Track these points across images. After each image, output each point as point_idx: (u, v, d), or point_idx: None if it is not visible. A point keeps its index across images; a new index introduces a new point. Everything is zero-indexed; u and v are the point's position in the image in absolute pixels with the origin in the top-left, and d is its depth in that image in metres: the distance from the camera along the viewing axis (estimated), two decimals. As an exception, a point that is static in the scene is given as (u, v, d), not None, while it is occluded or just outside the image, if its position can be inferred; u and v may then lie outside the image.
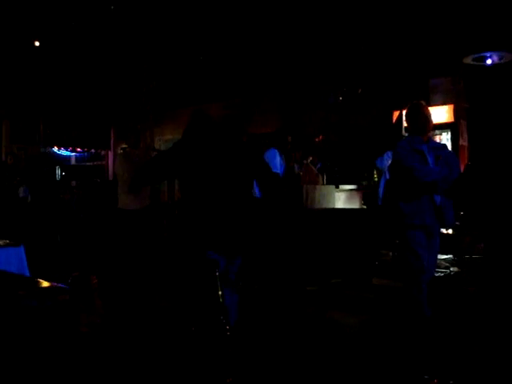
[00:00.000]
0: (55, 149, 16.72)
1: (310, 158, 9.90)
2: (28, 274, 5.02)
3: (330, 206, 8.56)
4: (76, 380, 1.61)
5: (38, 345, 1.89)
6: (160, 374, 1.61)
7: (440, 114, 10.32)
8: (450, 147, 10.13)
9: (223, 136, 4.05)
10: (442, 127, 10.35)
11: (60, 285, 2.81)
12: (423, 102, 5.20)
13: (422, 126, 4.92)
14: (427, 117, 4.96)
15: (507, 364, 3.61)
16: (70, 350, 1.86)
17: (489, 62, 8.77)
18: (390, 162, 7.97)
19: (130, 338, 2.00)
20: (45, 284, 3.03)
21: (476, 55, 8.72)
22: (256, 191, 7.49)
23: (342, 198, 8.94)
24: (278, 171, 7.38)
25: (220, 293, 1.49)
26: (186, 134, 4.09)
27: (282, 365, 1.72)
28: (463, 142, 10.50)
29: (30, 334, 2.03)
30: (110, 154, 17.09)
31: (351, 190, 9.33)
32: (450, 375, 1.73)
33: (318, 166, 10.24)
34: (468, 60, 8.95)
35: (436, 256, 5.13)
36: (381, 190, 7.68)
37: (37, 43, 11.63)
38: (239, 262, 3.71)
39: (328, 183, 9.31)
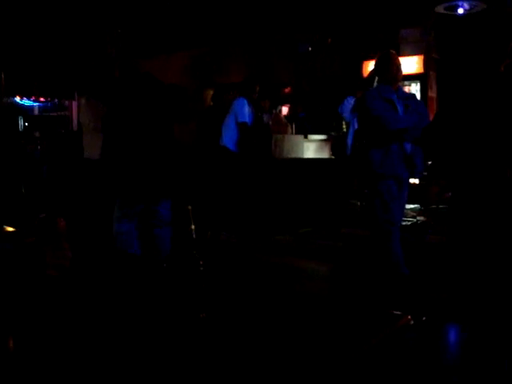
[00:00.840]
0: (17, 98, 16.28)
1: (279, 108, 9.84)
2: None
3: (299, 156, 8.56)
4: (45, 322, 1.56)
5: (4, 286, 1.83)
6: (131, 313, 1.57)
7: (410, 64, 10.29)
8: (418, 98, 10.16)
9: (142, 90, 4.28)
10: (412, 78, 10.33)
11: (26, 229, 2.74)
12: (393, 52, 5.16)
13: (392, 75, 4.91)
14: (397, 66, 4.94)
15: (477, 304, 3.69)
16: (38, 292, 1.81)
17: (460, 11, 8.74)
18: (350, 107, 7.96)
19: (98, 281, 1.94)
20: (9, 229, 2.96)
21: (447, 4, 8.67)
22: (226, 142, 7.45)
23: (311, 148, 8.93)
24: (247, 120, 7.31)
25: (193, 227, 1.44)
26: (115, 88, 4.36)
27: (254, 305, 1.69)
28: (432, 94, 10.53)
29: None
30: (75, 104, 16.71)
31: (320, 140, 9.32)
32: (422, 312, 1.73)
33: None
34: (439, 9, 8.89)
35: (404, 205, 5.19)
36: (349, 139, 7.66)
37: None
38: (166, 204, 4.11)
39: (297, 133, 9.27)
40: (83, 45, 13.69)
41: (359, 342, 1.47)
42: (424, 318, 1.64)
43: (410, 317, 1.61)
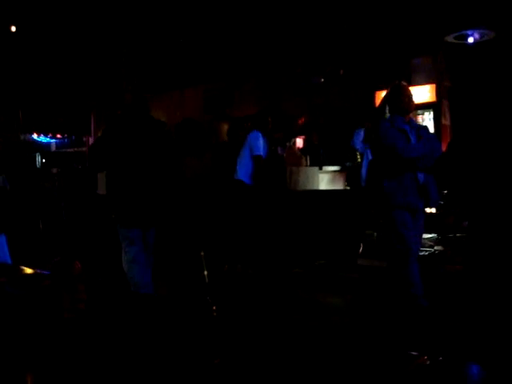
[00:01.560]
0: (35, 136, 16.50)
1: (293, 140, 9.88)
2: (10, 261, 4.97)
3: (314, 188, 8.56)
4: (60, 365, 1.57)
5: (20, 330, 1.85)
6: (145, 357, 1.57)
7: (422, 93, 10.32)
8: (432, 127, 10.16)
9: (143, 129, 4.67)
10: (425, 107, 10.34)
11: (42, 271, 2.77)
12: (405, 83, 5.20)
13: (405, 106, 4.94)
14: (409, 97, 4.98)
15: (496, 341, 3.64)
16: (54, 336, 1.83)
17: (470, 40, 8.78)
18: (361, 139, 8.01)
19: (113, 323, 1.96)
20: (27, 271, 2.99)
21: (457, 33, 8.72)
22: (241, 175, 7.48)
23: (326, 180, 8.94)
24: (261, 153, 7.35)
25: (206, 273, 1.46)
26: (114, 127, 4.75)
27: (270, 346, 1.69)
28: (445, 122, 10.52)
29: (12, 320, 1.99)
30: (91, 139, 16.90)
31: (335, 171, 9.33)
32: (439, 352, 1.71)
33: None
34: (449, 38, 8.94)
35: (421, 235, 5.15)
36: (363, 170, 7.67)
37: (13, 28, 11.43)
38: (153, 233, 4.61)
39: (311, 165, 9.29)
40: (99, 81, 13.92)
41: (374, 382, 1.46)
42: (440, 358, 1.63)
43: (426, 357, 1.60)
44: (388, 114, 5.22)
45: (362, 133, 7.98)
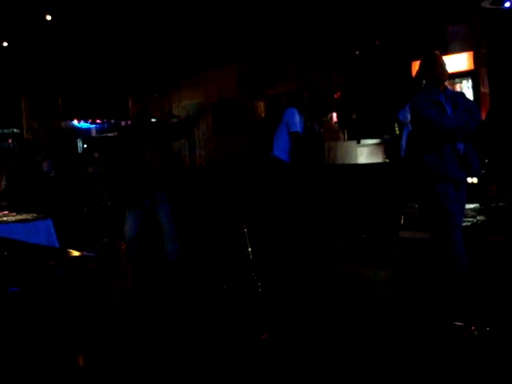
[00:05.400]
0: (75, 122, 16.76)
1: (330, 115, 9.81)
2: (58, 245, 5.10)
3: (353, 162, 8.52)
4: (109, 344, 1.63)
5: (71, 312, 1.92)
6: (193, 334, 1.62)
7: (460, 61, 10.11)
8: (471, 95, 9.95)
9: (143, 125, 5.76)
10: (463, 75, 10.14)
11: (89, 253, 2.85)
12: (437, 52, 5.12)
13: (438, 76, 4.86)
14: (442, 66, 4.89)
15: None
16: (102, 316, 1.89)
17: (507, 4, 8.56)
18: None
19: (160, 302, 2.01)
20: (74, 253, 3.08)
21: (493, -2, 8.52)
22: (278, 152, 7.49)
23: (364, 153, 8.89)
24: (298, 130, 7.34)
25: (249, 249, 1.49)
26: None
27: (315, 321, 1.71)
28: (484, 90, 10.29)
29: (63, 302, 2.06)
30: (130, 123, 17.07)
31: (373, 144, 9.26)
32: (486, 323, 1.71)
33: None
34: (485, 4, 8.73)
35: (464, 206, 5.09)
36: (403, 142, 7.59)
37: (48, 17, 11.59)
38: (164, 199, 5.56)
39: (349, 139, 9.24)
40: (135, 65, 14.04)
41: (422, 355, 1.47)
42: (488, 329, 1.63)
43: (473, 328, 1.60)
44: (423, 85, 5.14)
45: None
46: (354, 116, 10.28)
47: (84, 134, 17.31)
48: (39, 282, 2.38)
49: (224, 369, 1.39)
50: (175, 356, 1.52)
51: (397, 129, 9.29)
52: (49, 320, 1.88)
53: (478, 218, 6.72)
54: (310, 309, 1.86)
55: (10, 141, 15.34)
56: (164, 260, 5.29)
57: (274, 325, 1.56)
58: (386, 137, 9.59)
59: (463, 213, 5.17)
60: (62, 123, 16.12)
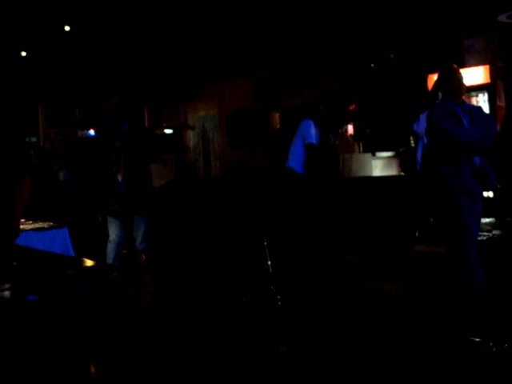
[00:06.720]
0: (91, 131, 16.89)
1: (345, 127, 9.83)
2: (73, 254, 5.14)
3: (368, 174, 8.52)
4: (127, 354, 1.65)
5: (91, 322, 1.94)
6: (212, 346, 1.64)
7: (476, 75, 10.08)
8: (487, 108, 9.91)
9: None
10: (479, 89, 10.10)
11: (106, 263, 2.88)
12: (455, 65, 5.13)
13: (455, 89, 4.87)
14: (460, 79, 4.90)
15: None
16: (121, 326, 1.90)
17: (524, 18, 8.55)
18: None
19: (180, 313, 2.03)
20: (90, 263, 3.10)
21: (510, 13, 8.50)
22: (293, 164, 7.51)
23: (380, 166, 8.88)
24: (314, 141, 7.37)
25: (269, 263, 1.51)
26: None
27: (333, 334, 1.73)
28: (501, 103, 10.25)
29: (82, 312, 2.08)
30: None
31: (388, 157, 9.25)
32: (503, 339, 1.70)
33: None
34: (502, 18, 8.73)
35: (479, 220, 5.08)
36: (419, 155, 7.58)
37: (67, 28, 11.73)
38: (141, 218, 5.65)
39: (364, 151, 9.25)
40: (151, 75, 14.15)
41: (439, 371, 1.48)
42: (506, 345, 1.62)
43: (491, 344, 1.59)
44: (440, 98, 5.15)
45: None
46: (368, 131, 10.29)
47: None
48: (59, 291, 2.40)
49: (243, 382, 1.41)
50: (195, 369, 1.54)
51: (412, 141, 9.27)
52: (69, 330, 1.90)
53: (494, 232, 6.70)
54: (327, 322, 1.87)
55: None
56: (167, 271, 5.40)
57: (292, 338, 1.58)
58: (401, 149, 9.58)
59: (479, 227, 5.16)
60: (79, 132, 16.26)
